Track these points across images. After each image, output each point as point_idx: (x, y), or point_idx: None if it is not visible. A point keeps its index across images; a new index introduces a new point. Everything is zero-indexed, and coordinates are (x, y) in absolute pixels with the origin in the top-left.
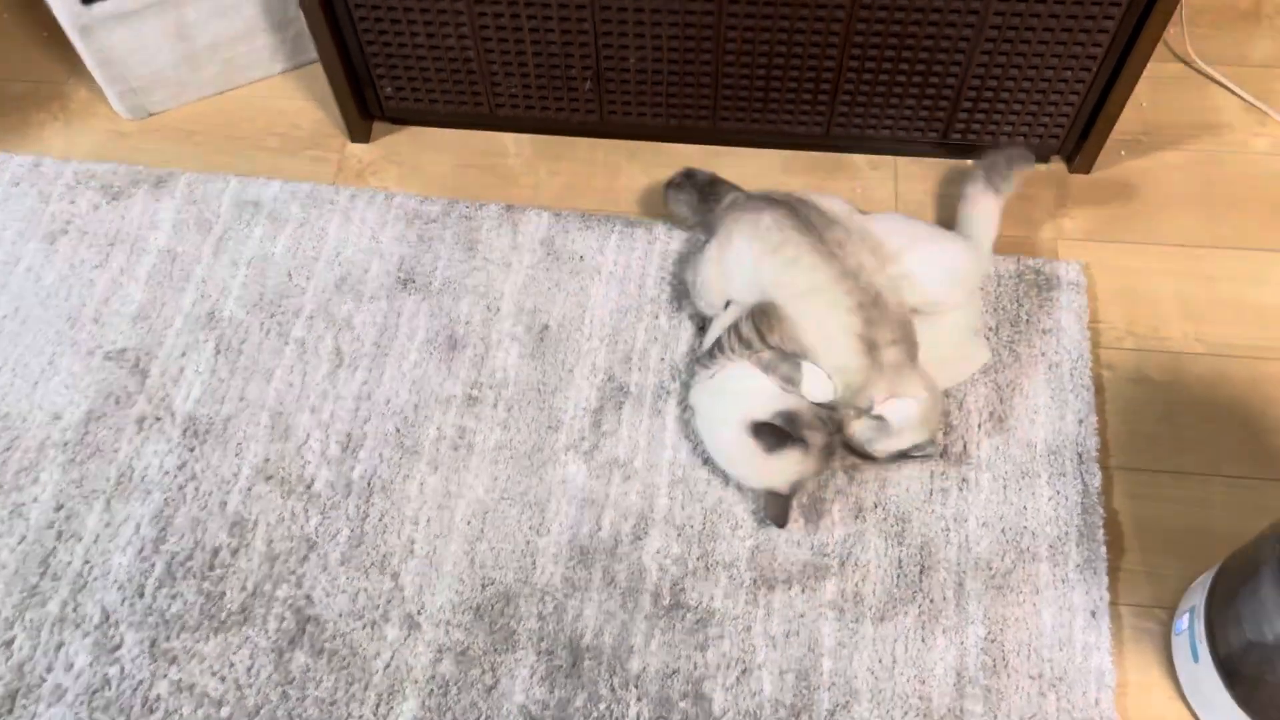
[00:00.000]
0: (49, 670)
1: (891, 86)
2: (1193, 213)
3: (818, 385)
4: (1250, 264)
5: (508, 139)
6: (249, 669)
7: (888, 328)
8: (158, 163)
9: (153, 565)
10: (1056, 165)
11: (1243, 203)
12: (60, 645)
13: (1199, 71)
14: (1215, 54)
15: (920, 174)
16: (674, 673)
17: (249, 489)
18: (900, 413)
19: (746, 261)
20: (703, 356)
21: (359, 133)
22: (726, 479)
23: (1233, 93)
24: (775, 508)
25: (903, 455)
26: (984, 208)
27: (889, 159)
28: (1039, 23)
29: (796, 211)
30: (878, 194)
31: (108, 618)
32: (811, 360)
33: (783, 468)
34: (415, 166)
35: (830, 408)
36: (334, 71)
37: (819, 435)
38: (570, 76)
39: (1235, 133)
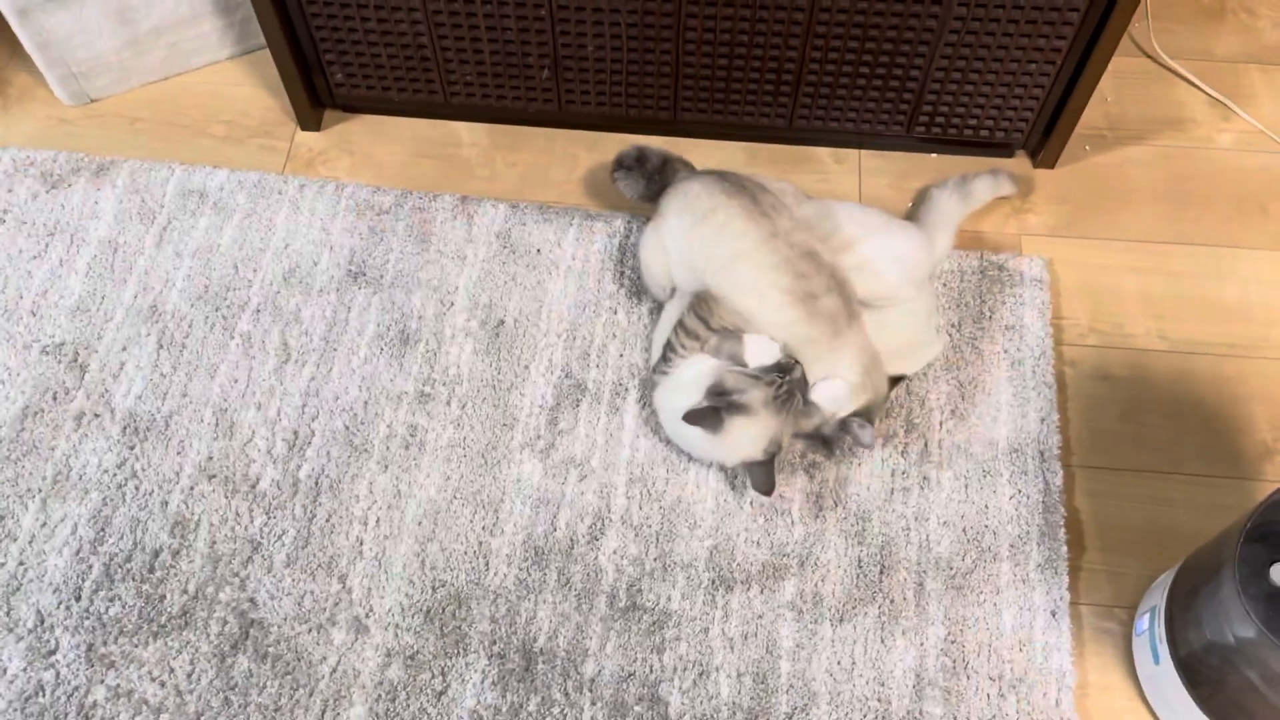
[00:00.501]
0: None
1: (855, 78)
2: (1157, 208)
3: (761, 351)
4: (1214, 260)
5: (463, 128)
6: (190, 674)
7: (820, 278)
8: (100, 150)
9: (90, 567)
10: (1020, 160)
11: (1207, 199)
12: None
13: (1164, 66)
14: (1180, 49)
15: (884, 167)
16: (630, 676)
17: (191, 488)
18: (828, 393)
19: (679, 234)
20: (657, 364)
21: (309, 121)
22: (684, 479)
23: (1197, 88)
24: (757, 476)
25: (844, 428)
26: (947, 213)
27: (853, 152)
28: (1003, 14)
29: (726, 177)
30: (842, 187)
31: (43, 621)
32: (752, 326)
33: (741, 438)
34: (367, 156)
35: (782, 368)
36: (282, 57)
37: (759, 391)
38: (528, 64)
39: (1200, 128)
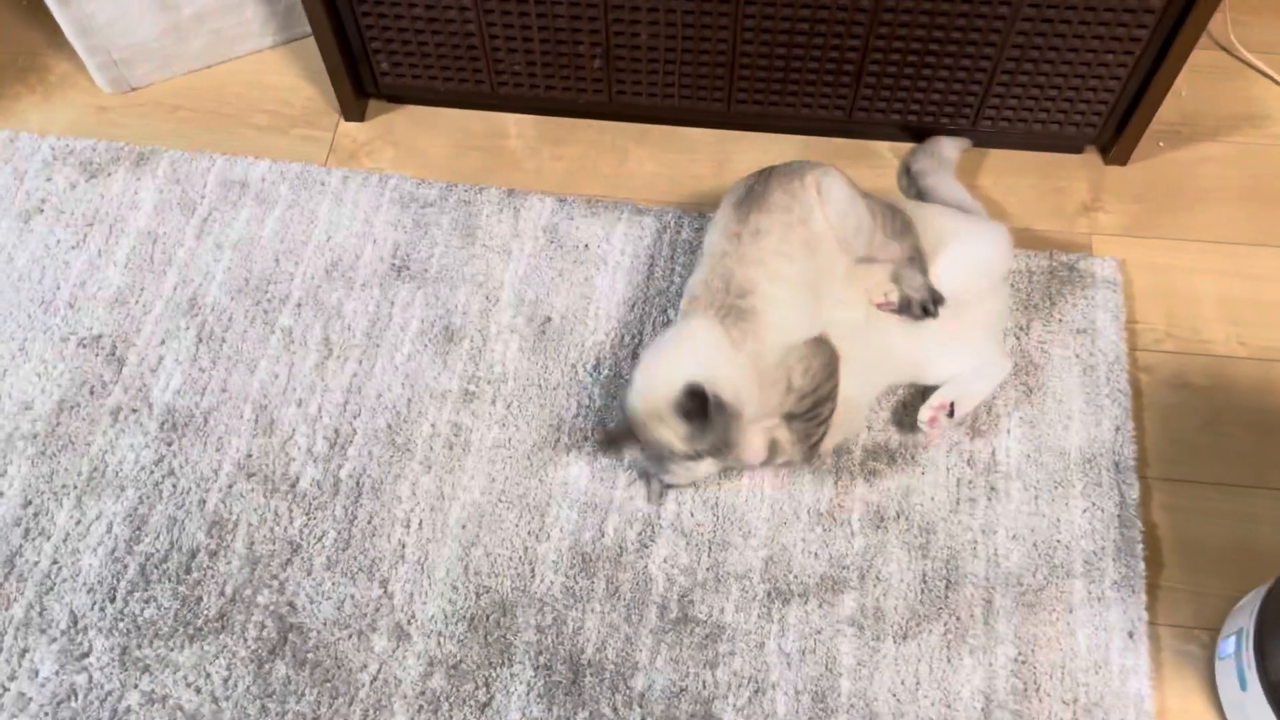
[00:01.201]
0: (12, 678)
1: (920, 68)
2: (1235, 208)
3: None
4: None
5: (509, 120)
6: (226, 680)
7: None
8: (140, 139)
9: (125, 567)
10: (1091, 156)
11: None
12: (25, 651)
13: (1240, 60)
14: (1257, 42)
15: None
16: (681, 691)
17: (230, 487)
18: (752, 447)
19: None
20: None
21: (353, 111)
22: (738, 484)
23: (1275, 82)
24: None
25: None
26: (952, 187)
27: (913, 146)
28: (1079, 4)
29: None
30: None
31: (76, 622)
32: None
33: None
34: (412, 148)
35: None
36: (328, 46)
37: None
38: (578, 54)
39: (1278, 124)
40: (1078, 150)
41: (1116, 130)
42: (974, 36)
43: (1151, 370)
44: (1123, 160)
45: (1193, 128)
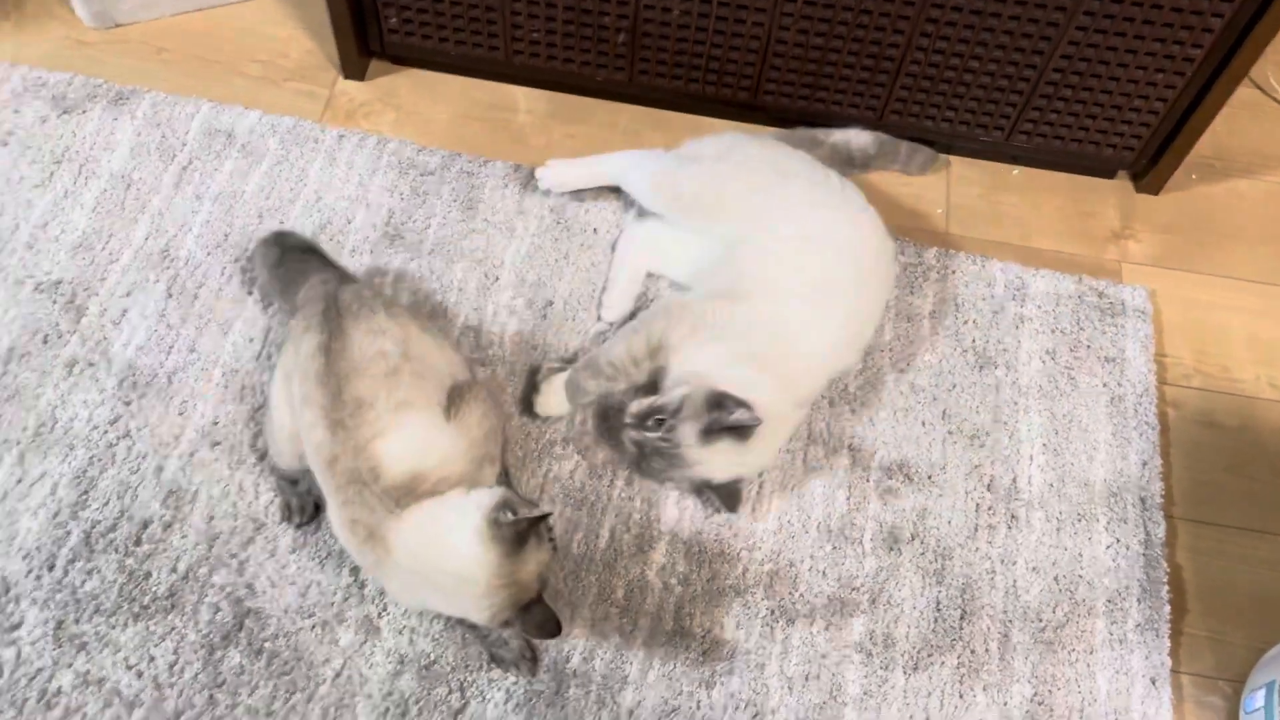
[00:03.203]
0: None
1: (961, 72)
2: (1268, 247)
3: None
4: None
5: (519, 93)
6: (172, 665)
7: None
8: (120, 79)
9: (68, 533)
10: (1122, 182)
11: None
12: None
13: (1275, 100)
14: None
15: (975, 176)
16: (673, 711)
17: (191, 455)
18: None
19: None
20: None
21: (354, 69)
22: (744, 494)
23: None
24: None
25: None
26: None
27: (940, 158)
28: (1130, 28)
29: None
30: (928, 193)
31: (7, 590)
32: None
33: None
34: (413, 113)
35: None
36: None
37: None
38: (603, 26)
39: None
40: (1110, 175)
41: (1153, 157)
42: (1021, 43)
43: (1179, 406)
44: (1155, 189)
45: (1226, 162)
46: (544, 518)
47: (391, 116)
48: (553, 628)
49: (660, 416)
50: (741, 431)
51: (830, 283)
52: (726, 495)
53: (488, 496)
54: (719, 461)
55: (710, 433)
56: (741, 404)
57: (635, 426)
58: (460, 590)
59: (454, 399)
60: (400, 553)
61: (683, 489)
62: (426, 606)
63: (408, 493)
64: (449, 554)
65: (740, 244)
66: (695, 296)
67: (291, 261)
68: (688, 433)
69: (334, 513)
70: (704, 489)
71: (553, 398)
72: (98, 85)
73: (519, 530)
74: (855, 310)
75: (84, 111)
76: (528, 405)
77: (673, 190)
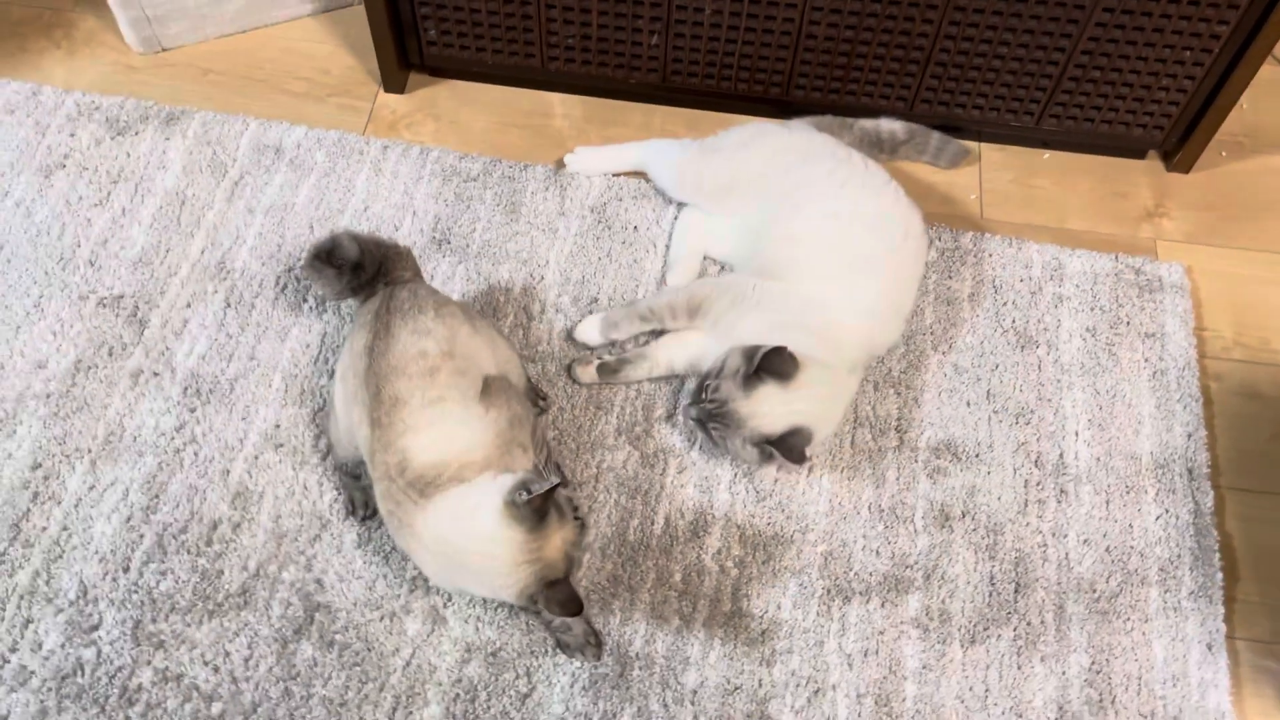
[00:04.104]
0: (13, 650)
1: (991, 59)
2: None
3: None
4: None
5: (554, 99)
6: (247, 660)
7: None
8: (169, 100)
9: (141, 536)
10: (1152, 162)
11: None
12: (29, 622)
13: None
14: None
15: (1007, 161)
16: (736, 689)
17: (256, 457)
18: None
19: None
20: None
21: (394, 83)
22: (794, 477)
23: None
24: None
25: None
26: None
27: (971, 144)
28: (1156, 7)
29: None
30: (961, 180)
31: (86, 593)
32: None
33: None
34: (453, 122)
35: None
36: (377, 11)
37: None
38: (636, 29)
39: None
40: (1140, 155)
41: (1183, 136)
42: (1049, 27)
43: (1221, 378)
44: (1186, 168)
45: (1255, 140)
46: (555, 489)
47: (432, 127)
48: (574, 606)
49: (707, 383)
50: (780, 373)
51: (860, 257)
52: (787, 448)
53: (509, 480)
54: (768, 409)
55: (749, 379)
56: (773, 349)
57: (692, 404)
58: (488, 569)
59: (486, 388)
60: (428, 538)
61: (751, 460)
62: (462, 588)
63: (430, 483)
64: (474, 536)
65: (770, 227)
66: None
67: (369, 264)
68: (731, 388)
69: (379, 504)
70: (768, 450)
71: (588, 328)
72: (149, 107)
73: (537, 507)
74: (889, 281)
75: (137, 133)
76: (569, 372)
77: (696, 179)
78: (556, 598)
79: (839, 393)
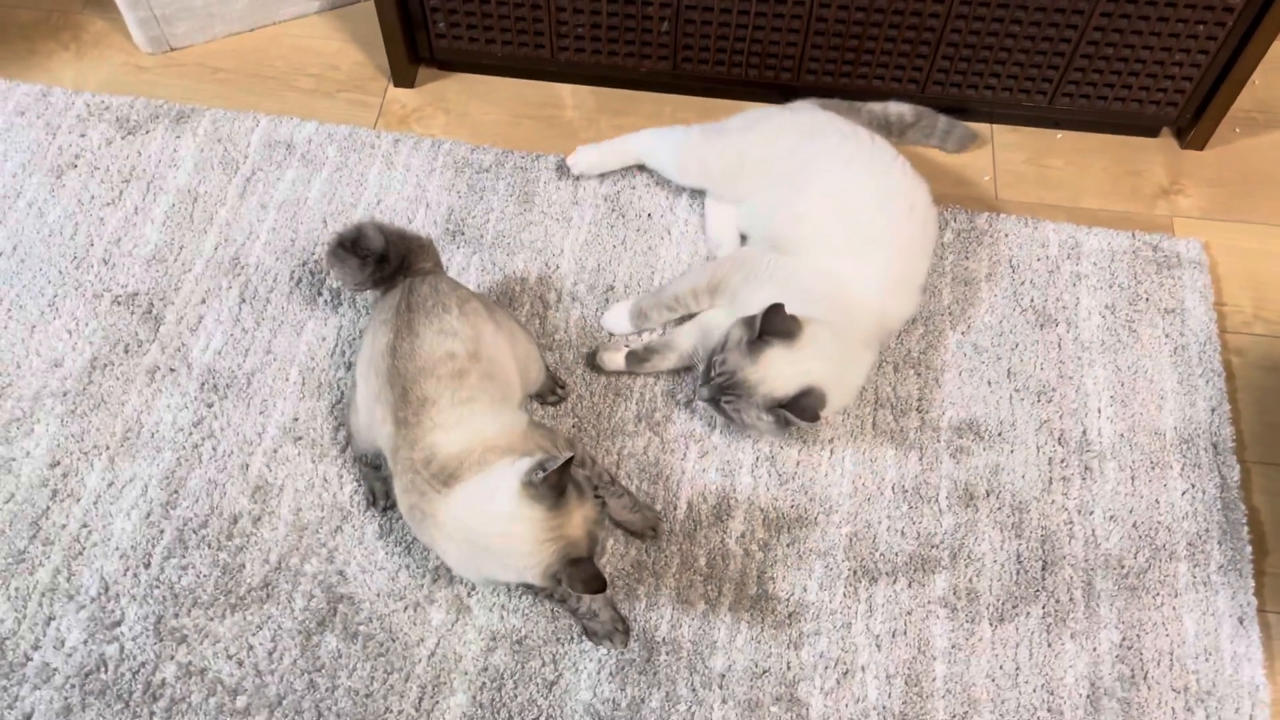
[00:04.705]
0: (36, 648)
1: (1002, 38)
2: None
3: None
4: None
5: (565, 90)
6: (271, 653)
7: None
8: (179, 99)
9: (161, 532)
10: (1166, 140)
11: None
12: (50, 619)
13: None
14: None
15: (1020, 142)
16: (764, 673)
17: (275, 451)
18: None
19: None
20: None
21: (404, 77)
22: (818, 459)
23: None
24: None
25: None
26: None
27: (984, 126)
28: None
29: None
30: (975, 162)
31: (107, 589)
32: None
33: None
34: (464, 115)
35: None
36: (386, 5)
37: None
38: (646, 16)
39: None
40: (1154, 133)
41: (1196, 113)
42: (1061, 4)
43: (1243, 353)
44: (1200, 144)
45: (1268, 115)
46: (569, 463)
47: (442, 120)
48: (598, 584)
49: (714, 359)
50: (783, 331)
51: (867, 231)
52: (800, 408)
53: (527, 462)
54: (777, 370)
55: (754, 345)
56: (770, 307)
57: (703, 384)
58: (511, 550)
59: None
60: (451, 526)
61: (769, 430)
62: (487, 575)
63: (453, 474)
64: (495, 517)
65: (779, 205)
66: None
67: (393, 255)
68: (737, 358)
69: (399, 498)
70: (783, 415)
71: (617, 318)
72: (159, 106)
73: (554, 484)
74: (896, 252)
75: (147, 132)
76: (592, 362)
77: (701, 166)
78: (581, 575)
79: (850, 358)
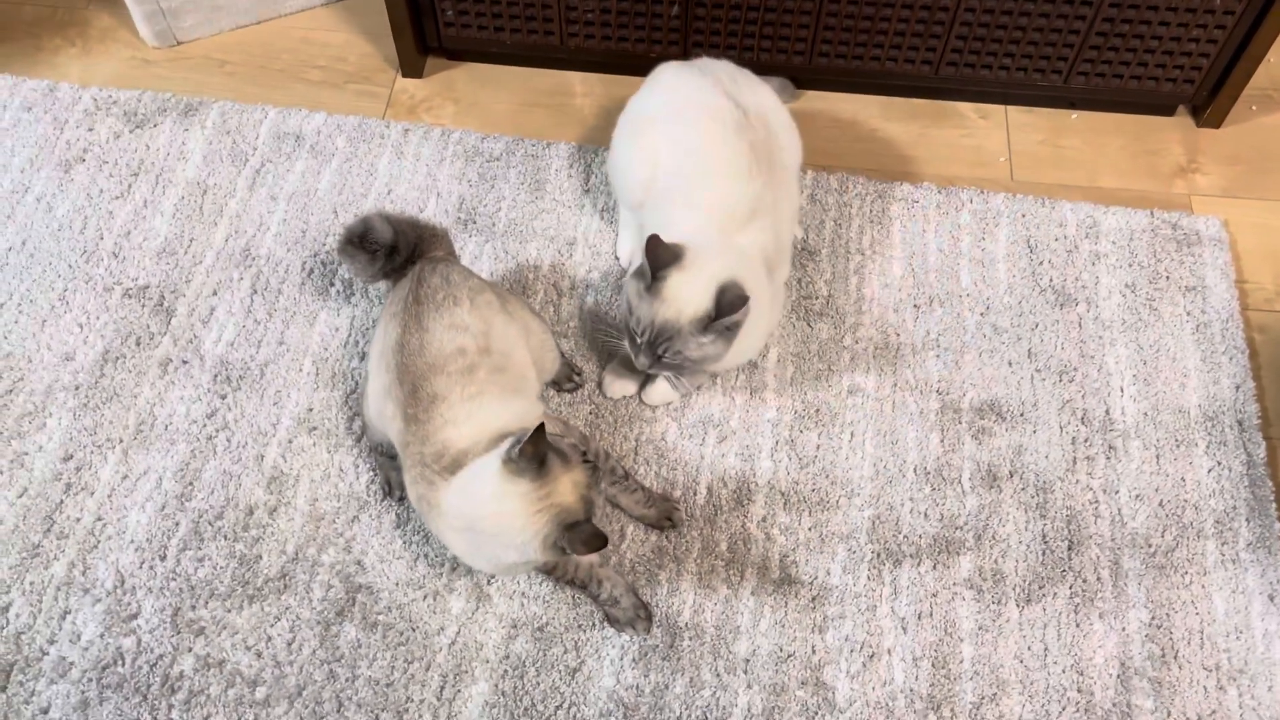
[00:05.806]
0: (51, 642)
1: (1017, 17)
2: None
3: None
4: None
5: (575, 78)
6: (289, 643)
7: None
8: (186, 92)
9: (177, 524)
10: (1182, 119)
11: None
12: (66, 613)
13: None
14: None
15: (1034, 123)
16: (789, 657)
17: (289, 441)
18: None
19: None
20: None
21: (412, 67)
22: (838, 443)
23: None
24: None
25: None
26: None
27: (998, 108)
28: None
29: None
30: (989, 144)
31: (123, 582)
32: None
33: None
34: (473, 104)
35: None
36: None
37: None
38: (656, 0)
39: None
40: (1169, 112)
41: (1212, 91)
42: None
43: (1265, 330)
44: (1217, 123)
45: None
46: (541, 430)
47: (452, 109)
48: (598, 543)
49: (629, 328)
50: (669, 257)
51: (704, 155)
52: (727, 304)
53: (508, 441)
54: (686, 293)
55: (653, 286)
56: (647, 240)
57: (638, 354)
58: (504, 527)
59: None
60: (450, 514)
61: (722, 354)
62: (493, 560)
63: (457, 462)
64: (482, 499)
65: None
66: None
67: (403, 246)
68: (646, 307)
69: (409, 489)
70: (721, 327)
71: (659, 392)
72: (166, 99)
73: (530, 455)
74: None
75: (155, 125)
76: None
77: (634, 206)
78: (579, 537)
79: (746, 264)
